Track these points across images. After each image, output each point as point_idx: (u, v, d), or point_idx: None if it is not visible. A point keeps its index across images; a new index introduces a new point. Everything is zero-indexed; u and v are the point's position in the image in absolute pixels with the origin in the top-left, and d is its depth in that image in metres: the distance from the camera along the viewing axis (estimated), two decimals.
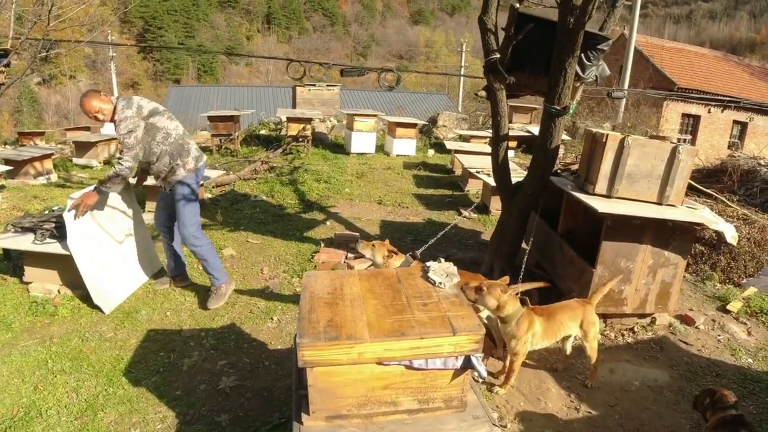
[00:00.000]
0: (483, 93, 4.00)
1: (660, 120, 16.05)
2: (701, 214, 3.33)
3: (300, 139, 9.57)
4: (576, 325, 2.88)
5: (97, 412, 2.69)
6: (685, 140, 18.45)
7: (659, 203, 3.34)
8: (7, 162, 6.89)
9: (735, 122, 19.42)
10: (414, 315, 1.80)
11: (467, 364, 1.78)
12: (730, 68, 21.38)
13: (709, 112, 18.61)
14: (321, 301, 1.91)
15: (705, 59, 20.99)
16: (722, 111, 18.36)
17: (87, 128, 12.73)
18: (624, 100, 13.21)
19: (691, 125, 19.13)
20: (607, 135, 3.22)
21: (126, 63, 42.88)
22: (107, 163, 8.59)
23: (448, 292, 1.99)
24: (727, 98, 13.40)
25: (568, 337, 2.98)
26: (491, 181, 6.08)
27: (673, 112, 18.14)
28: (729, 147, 18.54)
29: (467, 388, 1.86)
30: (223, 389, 2.88)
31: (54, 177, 7.50)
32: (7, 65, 8.15)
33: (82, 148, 8.38)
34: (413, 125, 10.14)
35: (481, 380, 1.87)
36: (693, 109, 18.41)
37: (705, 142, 18.43)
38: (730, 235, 3.35)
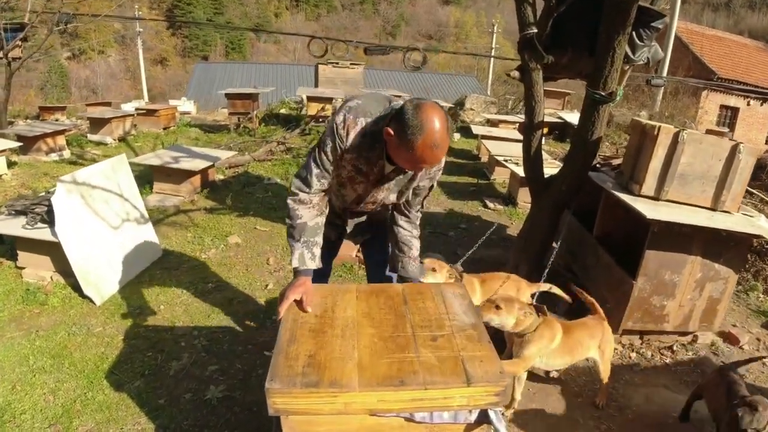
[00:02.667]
0: (516, 74, 3.56)
1: (698, 111, 15.15)
2: (760, 223, 2.88)
3: (320, 120, 9.21)
4: (595, 345, 2.59)
5: (72, 419, 2.45)
6: (723, 133, 17.52)
7: (713, 209, 2.90)
8: (18, 138, 6.72)
9: None
10: (419, 354, 1.44)
11: (483, 419, 1.43)
12: None
13: (748, 104, 17.65)
14: (305, 327, 1.57)
15: (746, 49, 19.83)
16: (762, 104, 17.38)
17: (108, 104, 12.66)
18: (662, 88, 12.43)
19: (729, 117, 18.14)
20: (659, 128, 2.77)
21: (155, 39, 42.89)
22: (122, 140, 8.39)
23: (465, 320, 1.63)
24: None
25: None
26: (520, 171, 5.64)
27: (711, 103, 17.20)
28: (767, 142, 17.56)
29: None
30: (209, 400, 2.60)
31: (67, 154, 7.33)
32: (24, 39, 8.00)
33: (97, 124, 8.18)
34: None
35: None
36: (732, 100, 17.45)
37: (742, 136, 17.44)
38: None
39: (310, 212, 1.89)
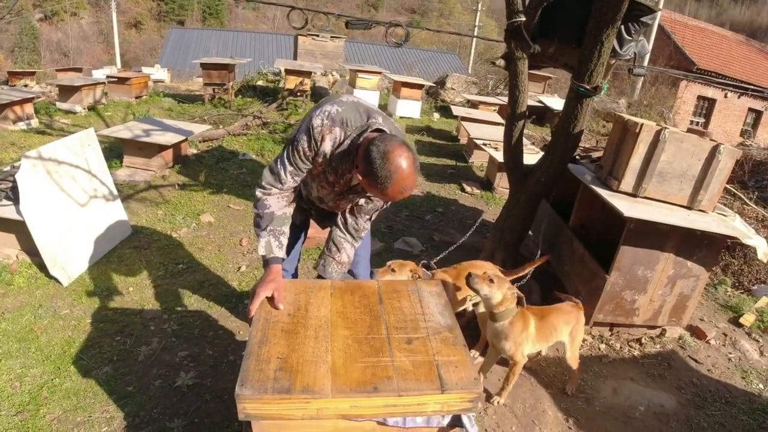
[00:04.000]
0: (501, 62, 3.50)
1: (676, 101, 15.34)
2: (734, 224, 2.93)
3: (298, 94, 9.00)
4: (568, 330, 2.66)
5: (40, 407, 2.38)
6: (698, 123, 17.86)
7: (690, 207, 2.93)
8: None
9: (750, 110, 18.80)
10: (394, 358, 1.42)
11: (456, 423, 1.43)
12: (751, 53, 20.56)
13: (725, 96, 17.96)
14: (278, 327, 1.52)
15: (726, 41, 20.09)
16: (739, 97, 17.74)
17: (79, 69, 12.09)
18: (642, 77, 12.52)
19: (706, 108, 18.46)
20: (642, 125, 2.76)
21: (129, 1, 41.09)
22: (91, 109, 8.06)
23: (440, 321, 1.61)
24: (749, 85, 12.74)
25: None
26: (498, 156, 5.62)
27: (689, 94, 17.45)
28: (741, 135, 17.99)
29: None
30: (179, 387, 2.55)
31: (35, 122, 7.01)
32: None
33: (66, 91, 7.82)
34: (419, 86, 9.54)
35: None
36: (709, 92, 17.73)
37: (717, 128, 17.83)
38: (762, 251, 2.96)
39: (279, 203, 1.89)
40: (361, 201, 2.01)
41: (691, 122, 17.61)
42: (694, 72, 15.96)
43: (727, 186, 5.43)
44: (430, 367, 1.39)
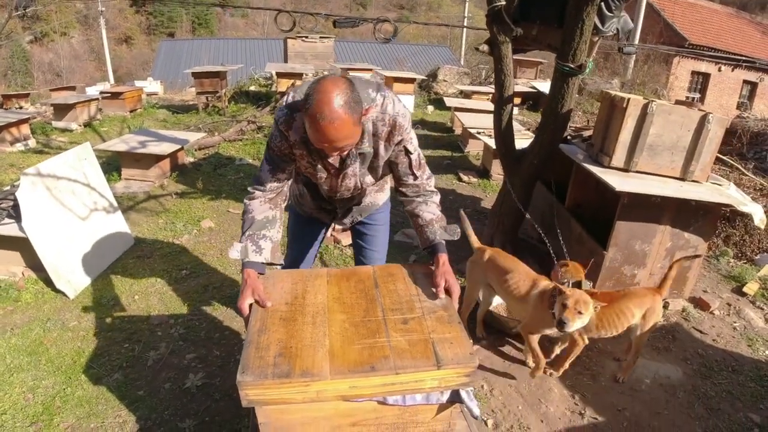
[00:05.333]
0: (485, 47, 3.51)
1: (669, 77, 15.29)
2: (728, 192, 2.94)
3: None
4: (640, 314, 2.52)
5: (53, 416, 2.42)
6: (694, 99, 17.80)
7: (682, 179, 2.95)
8: None
9: (745, 82, 18.71)
10: (390, 338, 1.45)
11: (455, 398, 1.45)
12: (742, 26, 20.41)
13: (719, 70, 17.89)
14: (276, 315, 1.56)
15: (717, 15, 19.98)
16: (732, 70, 17.66)
17: (72, 88, 12.15)
18: (634, 56, 12.47)
19: (700, 83, 18.39)
20: (629, 99, 2.78)
21: (119, 17, 41.16)
22: (87, 125, 8.11)
23: (436, 302, 1.64)
24: (742, 57, 12.69)
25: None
26: (493, 143, 5.65)
27: (683, 70, 17.38)
28: (738, 107, 17.92)
29: (455, 420, 1.54)
30: (189, 389, 2.59)
31: (32, 143, 7.07)
32: None
33: (61, 110, 7.87)
34: (411, 80, 9.57)
35: (474, 418, 1.54)
36: (703, 66, 17.65)
37: (714, 102, 17.75)
38: (759, 217, 2.98)
39: (261, 207, 1.82)
40: (381, 171, 1.92)
41: (687, 98, 17.55)
42: (687, 47, 15.90)
43: (724, 158, 5.44)
44: (426, 345, 1.42)
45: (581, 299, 2.19)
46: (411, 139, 1.87)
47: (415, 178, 1.95)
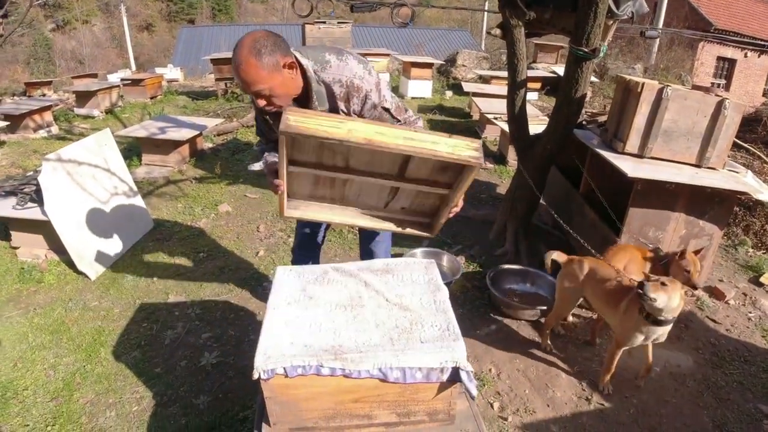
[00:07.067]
0: (497, 32, 3.48)
1: (694, 63, 14.82)
2: (745, 180, 2.88)
3: None
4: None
5: (73, 392, 2.53)
6: (719, 85, 17.28)
7: (698, 165, 2.90)
8: (5, 117, 6.62)
9: None
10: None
11: (455, 378, 1.48)
12: None
13: (745, 56, 17.25)
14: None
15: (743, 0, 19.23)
16: (759, 56, 17.06)
17: (94, 75, 12.37)
18: (657, 40, 12.10)
19: (726, 70, 17.80)
20: (643, 84, 2.74)
21: (139, 4, 41.46)
22: (109, 112, 8.27)
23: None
24: None
25: None
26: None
27: (708, 55, 16.80)
28: (764, 94, 17.30)
29: (455, 400, 1.57)
30: (204, 367, 2.68)
31: (55, 129, 7.24)
32: (4, 16, 7.73)
33: (83, 97, 8.04)
34: (429, 65, 9.48)
35: (472, 398, 1.56)
36: (729, 52, 17.03)
37: (739, 89, 17.17)
38: None
39: (271, 153, 2.01)
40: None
41: (712, 84, 17.05)
42: (712, 32, 15.39)
43: (747, 146, 5.30)
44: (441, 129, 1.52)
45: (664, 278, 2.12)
46: (385, 98, 1.90)
47: (400, 122, 2.01)
